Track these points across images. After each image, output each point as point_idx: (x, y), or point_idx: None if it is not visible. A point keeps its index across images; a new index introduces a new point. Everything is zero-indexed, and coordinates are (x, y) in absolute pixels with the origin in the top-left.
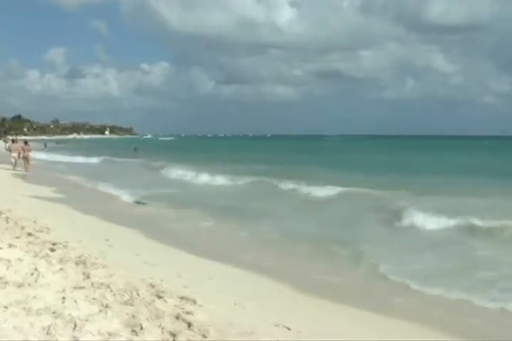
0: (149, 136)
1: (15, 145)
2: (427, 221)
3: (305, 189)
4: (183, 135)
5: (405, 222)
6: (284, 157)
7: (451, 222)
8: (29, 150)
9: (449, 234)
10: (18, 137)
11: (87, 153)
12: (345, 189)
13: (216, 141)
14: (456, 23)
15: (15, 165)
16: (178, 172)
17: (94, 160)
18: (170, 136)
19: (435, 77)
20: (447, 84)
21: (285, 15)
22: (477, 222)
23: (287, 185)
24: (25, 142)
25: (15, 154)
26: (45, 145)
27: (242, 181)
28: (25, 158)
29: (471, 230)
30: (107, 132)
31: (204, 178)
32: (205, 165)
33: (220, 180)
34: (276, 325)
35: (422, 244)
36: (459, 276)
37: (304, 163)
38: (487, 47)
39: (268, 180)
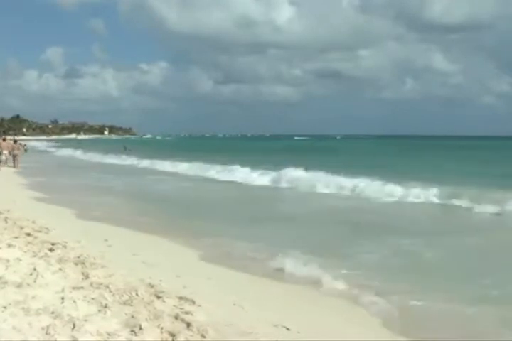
0: (149, 136)
1: (5, 143)
2: None
3: None
4: (182, 135)
5: None
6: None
7: None
8: (18, 149)
9: None
10: (17, 137)
11: None
12: None
13: (210, 141)
14: (457, 23)
15: (5, 162)
16: None
17: None
18: (169, 136)
19: (435, 77)
20: (447, 84)
21: (284, 14)
22: None
23: None
24: (15, 141)
25: (5, 152)
26: (25, 146)
27: None
28: (15, 156)
29: None
30: (106, 132)
31: None
32: None
33: None
34: (275, 325)
35: None
36: None
37: None
38: (487, 47)
39: None
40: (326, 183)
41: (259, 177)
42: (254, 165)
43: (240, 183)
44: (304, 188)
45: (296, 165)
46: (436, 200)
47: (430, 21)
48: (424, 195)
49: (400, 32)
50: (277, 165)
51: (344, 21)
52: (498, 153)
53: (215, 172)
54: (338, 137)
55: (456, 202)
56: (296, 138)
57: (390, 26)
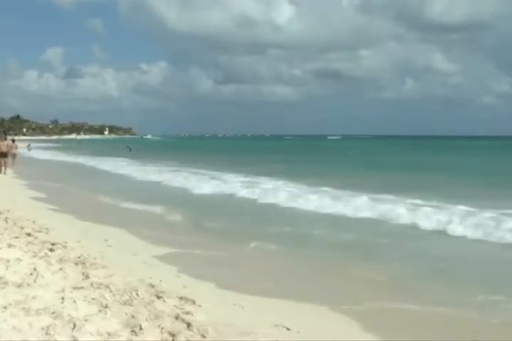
0: (149, 136)
1: (1, 142)
2: None
3: None
4: (182, 135)
5: None
6: None
7: None
8: (16, 148)
9: None
10: (17, 137)
11: None
12: None
13: (207, 141)
14: (457, 23)
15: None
16: None
17: None
18: (169, 136)
19: (435, 77)
20: (447, 84)
21: (284, 14)
22: None
23: None
24: (13, 140)
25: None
26: (29, 146)
27: None
28: (13, 155)
29: None
30: (106, 132)
31: None
32: None
33: None
34: (275, 325)
35: None
36: None
37: None
38: (487, 47)
39: None
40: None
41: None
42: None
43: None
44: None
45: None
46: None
47: (430, 21)
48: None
49: (400, 32)
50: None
51: (344, 21)
52: (499, 153)
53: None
54: (334, 137)
55: None
56: (286, 137)
57: (390, 26)
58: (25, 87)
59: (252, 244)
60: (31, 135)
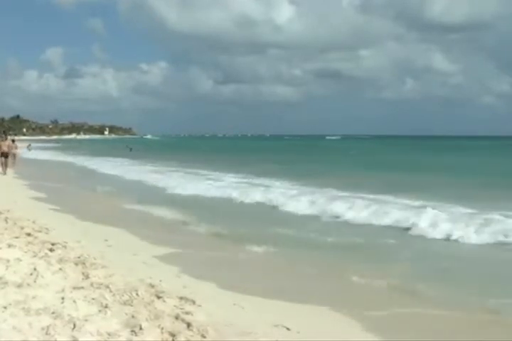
0: (149, 136)
1: (2, 142)
2: None
3: None
4: (182, 135)
5: None
6: None
7: None
8: (16, 148)
9: None
10: (17, 137)
11: None
12: None
13: (207, 141)
14: (457, 23)
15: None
16: None
17: None
18: (169, 136)
19: (435, 77)
20: (447, 84)
21: (284, 14)
22: None
23: None
24: (13, 140)
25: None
26: (29, 146)
27: None
28: (13, 155)
29: None
30: (106, 132)
31: None
32: None
33: None
34: (275, 325)
35: None
36: None
37: None
38: (487, 47)
39: None
40: None
41: None
42: None
43: None
44: None
45: None
46: None
47: (430, 21)
48: None
49: (400, 32)
50: None
51: (344, 21)
52: (499, 153)
53: None
54: (333, 137)
55: None
56: (286, 137)
57: (390, 26)
58: (25, 87)
59: (256, 247)
60: (31, 135)
